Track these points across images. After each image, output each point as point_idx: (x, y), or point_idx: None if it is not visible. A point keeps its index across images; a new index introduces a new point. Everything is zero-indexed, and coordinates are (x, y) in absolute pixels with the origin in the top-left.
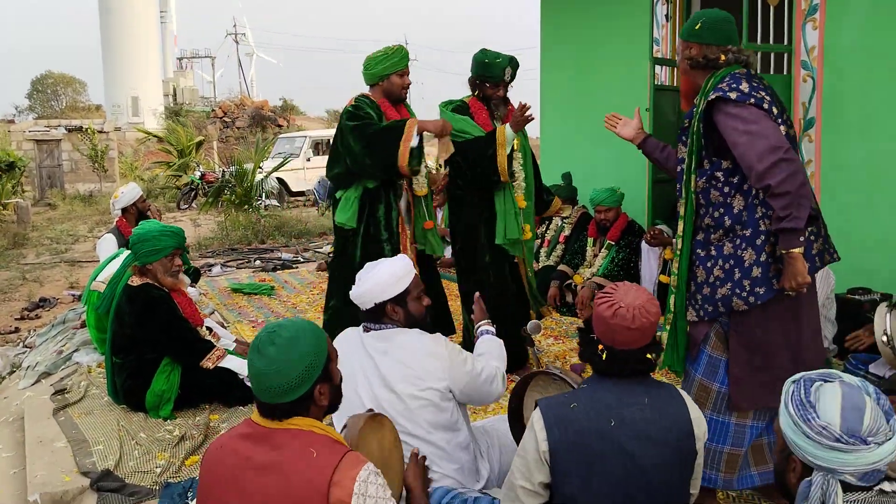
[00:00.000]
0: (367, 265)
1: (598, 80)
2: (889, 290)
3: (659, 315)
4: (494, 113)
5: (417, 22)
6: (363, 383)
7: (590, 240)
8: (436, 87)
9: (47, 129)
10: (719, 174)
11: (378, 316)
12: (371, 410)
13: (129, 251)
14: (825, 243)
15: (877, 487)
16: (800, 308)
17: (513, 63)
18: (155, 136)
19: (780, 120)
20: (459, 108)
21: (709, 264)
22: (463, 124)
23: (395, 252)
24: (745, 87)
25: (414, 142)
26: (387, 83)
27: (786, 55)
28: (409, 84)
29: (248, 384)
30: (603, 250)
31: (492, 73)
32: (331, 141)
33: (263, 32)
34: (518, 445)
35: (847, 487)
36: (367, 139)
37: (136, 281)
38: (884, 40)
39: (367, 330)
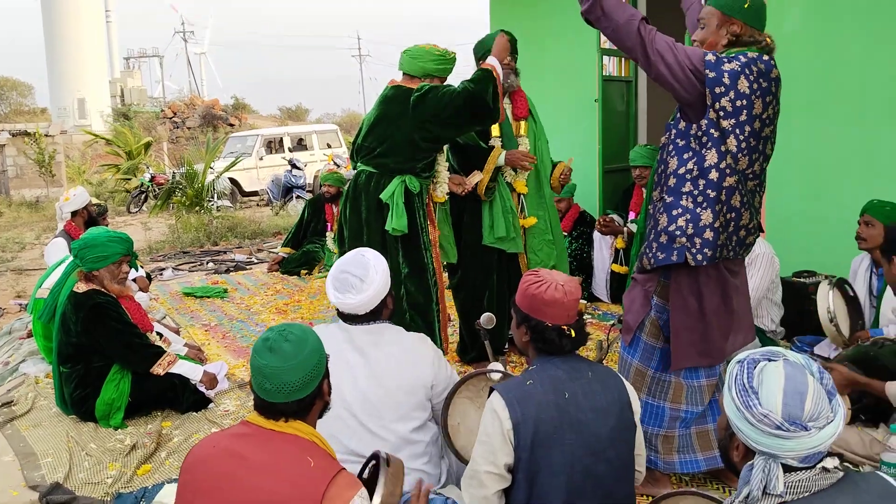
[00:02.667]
0: (345, 266)
1: (548, 73)
2: (833, 272)
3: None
4: (504, 83)
5: (369, 18)
6: (346, 376)
7: None
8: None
9: None
10: (673, 132)
11: (376, 316)
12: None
13: (73, 257)
14: (737, 243)
15: (819, 465)
16: (727, 288)
17: (506, 32)
18: (102, 138)
19: (741, 112)
20: None
21: (648, 222)
22: None
23: (432, 259)
24: (728, 66)
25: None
26: (428, 82)
27: None
28: None
29: (201, 389)
30: None
31: (489, 44)
32: (291, 139)
33: (213, 31)
34: (455, 458)
35: (788, 468)
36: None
37: (82, 287)
38: (826, 28)
39: (353, 323)
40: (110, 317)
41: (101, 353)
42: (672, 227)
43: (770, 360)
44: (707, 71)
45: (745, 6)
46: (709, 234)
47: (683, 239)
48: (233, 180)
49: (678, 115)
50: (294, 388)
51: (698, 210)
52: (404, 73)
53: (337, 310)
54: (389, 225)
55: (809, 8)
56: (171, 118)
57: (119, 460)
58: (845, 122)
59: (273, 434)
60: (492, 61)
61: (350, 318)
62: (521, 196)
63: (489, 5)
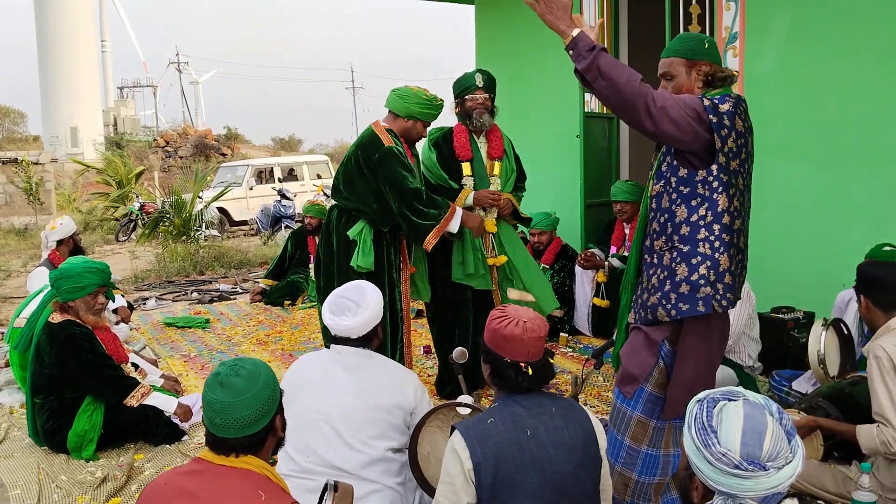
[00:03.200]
0: (342, 292)
1: (532, 109)
2: (811, 308)
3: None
4: (475, 123)
5: (362, 51)
6: (330, 391)
7: None
8: (381, 114)
9: None
10: (673, 180)
11: (366, 343)
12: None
13: (50, 287)
14: (741, 284)
15: None
16: (721, 336)
17: (482, 71)
18: (91, 167)
19: (741, 152)
20: (445, 134)
21: (651, 271)
22: (428, 163)
23: (400, 296)
24: (725, 106)
25: (451, 226)
26: (411, 124)
27: None
28: (425, 136)
29: (175, 421)
30: None
31: (465, 84)
32: (282, 169)
33: (207, 62)
34: (423, 489)
35: None
36: (407, 204)
37: (56, 318)
38: (801, 67)
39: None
40: (84, 348)
41: (75, 385)
42: (694, 277)
43: (730, 400)
44: (710, 116)
45: (706, 46)
46: (728, 279)
47: (708, 288)
48: (222, 210)
49: (674, 162)
50: (245, 424)
51: (717, 255)
52: (389, 111)
53: (326, 332)
54: (354, 262)
55: (785, 50)
56: (163, 147)
57: (89, 493)
58: (821, 162)
59: (223, 469)
60: (454, 223)
61: (342, 342)
62: (492, 235)
63: (475, 43)
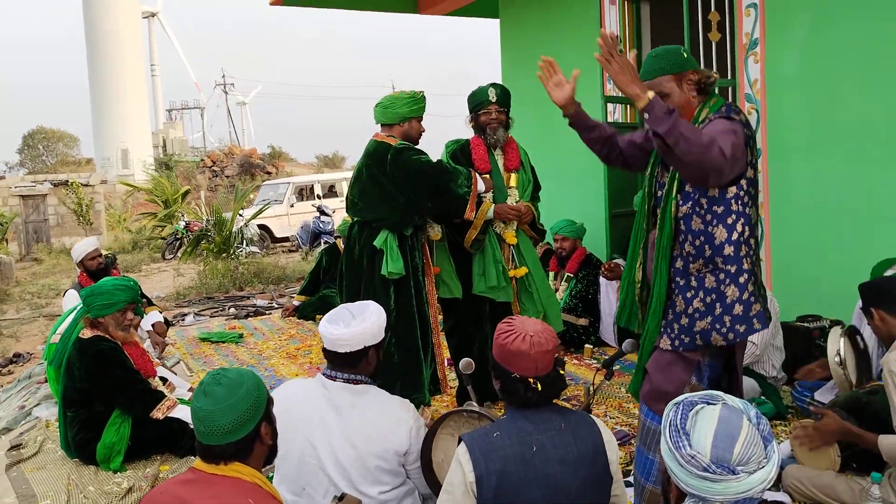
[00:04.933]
0: (345, 305)
1: (557, 120)
2: (838, 316)
3: (554, 332)
4: (489, 139)
5: (403, 67)
6: (320, 433)
7: (551, 274)
8: (430, 130)
9: (33, 184)
10: (703, 201)
11: (354, 362)
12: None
13: (81, 304)
14: (764, 303)
15: None
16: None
17: (496, 85)
18: (139, 188)
19: (753, 164)
20: (463, 146)
21: (688, 294)
22: None
23: (427, 298)
24: (741, 116)
25: (479, 187)
26: (407, 126)
27: (730, 89)
28: (424, 131)
29: None
30: (563, 283)
31: (478, 99)
32: (322, 186)
33: (252, 82)
34: (437, 494)
35: None
36: (436, 182)
37: (87, 334)
38: (822, 70)
39: (332, 378)
40: (112, 362)
41: (103, 398)
42: (745, 296)
43: (708, 404)
44: (746, 131)
45: (685, 56)
46: (762, 286)
47: (758, 305)
48: (264, 227)
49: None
50: (226, 431)
51: (756, 269)
52: (382, 125)
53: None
54: (385, 269)
55: (806, 53)
56: (210, 167)
57: (114, 502)
58: (845, 163)
59: (215, 478)
60: (480, 184)
61: (330, 359)
62: (511, 246)
63: (500, 55)
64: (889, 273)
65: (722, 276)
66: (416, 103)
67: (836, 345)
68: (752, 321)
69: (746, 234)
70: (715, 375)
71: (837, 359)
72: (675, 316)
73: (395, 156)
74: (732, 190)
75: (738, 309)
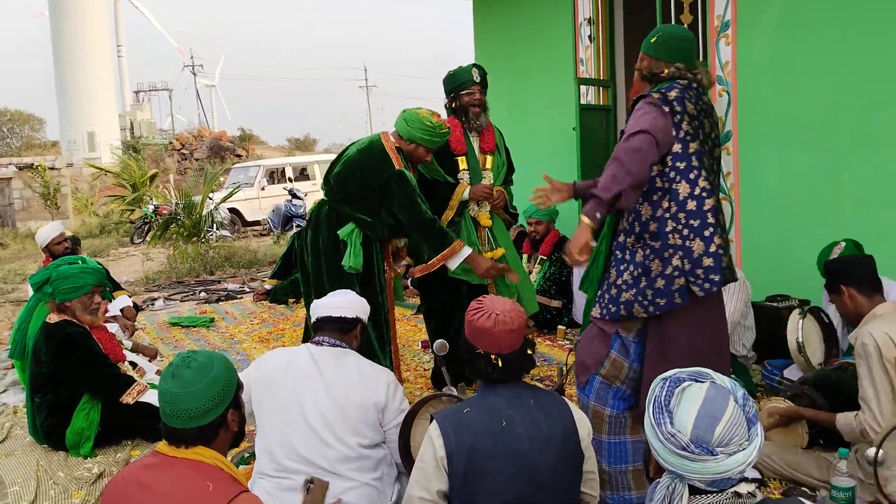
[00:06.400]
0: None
1: (529, 103)
2: (805, 296)
3: (523, 312)
4: (472, 123)
5: (376, 50)
6: (304, 388)
7: (524, 256)
8: (395, 111)
9: None
10: None
11: (346, 329)
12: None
13: (45, 288)
14: (730, 260)
15: (731, 490)
16: (708, 320)
17: (478, 66)
18: (106, 171)
19: (698, 133)
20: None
21: (622, 267)
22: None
23: (385, 300)
24: (672, 93)
25: (451, 265)
26: (413, 147)
27: None
28: (429, 160)
29: None
30: (536, 266)
31: (461, 79)
32: (293, 169)
33: (223, 64)
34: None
35: (697, 490)
36: (419, 226)
37: (53, 318)
38: (793, 53)
39: (318, 344)
40: (80, 347)
41: (71, 383)
42: (668, 270)
43: (696, 381)
44: (663, 106)
45: (652, 41)
46: (708, 262)
47: (682, 279)
48: (234, 210)
49: None
50: (192, 415)
51: (687, 243)
52: (396, 130)
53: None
54: (346, 262)
55: (777, 38)
56: (179, 150)
57: (84, 488)
58: (814, 149)
59: (175, 461)
60: (454, 260)
61: (322, 326)
62: (487, 229)
63: (473, 37)
64: (835, 254)
65: (648, 251)
66: (433, 135)
67: (796, 331)
68: (674, 295)
69: (673, 210)
70: (630, 354)
71: (795, 345)
72: (608, 286)
73: (395, 179)
74: (656, 168)
75: (659, 283)
